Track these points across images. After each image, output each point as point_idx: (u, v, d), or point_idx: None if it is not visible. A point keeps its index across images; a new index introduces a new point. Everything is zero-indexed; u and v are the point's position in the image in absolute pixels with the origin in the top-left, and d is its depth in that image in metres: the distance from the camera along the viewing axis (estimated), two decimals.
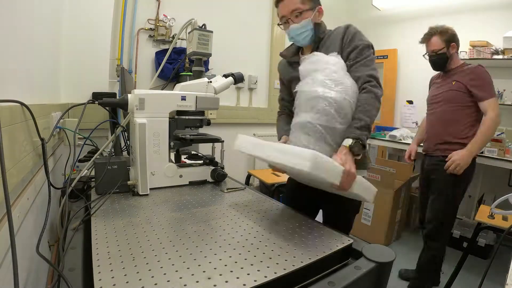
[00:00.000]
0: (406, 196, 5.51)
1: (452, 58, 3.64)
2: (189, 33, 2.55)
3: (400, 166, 5.57)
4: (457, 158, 3.33)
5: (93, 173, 2.00)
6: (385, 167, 5.22)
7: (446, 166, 3.41)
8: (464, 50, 5.93)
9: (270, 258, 1.26)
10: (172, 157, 2.26)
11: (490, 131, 3.34)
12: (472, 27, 6.04)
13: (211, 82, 2.29)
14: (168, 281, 1.06)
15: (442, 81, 3.91)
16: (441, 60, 3.67)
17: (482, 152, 5.29)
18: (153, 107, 2.01)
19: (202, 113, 2.26)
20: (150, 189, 2.02)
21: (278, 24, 2.41)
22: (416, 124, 6.74)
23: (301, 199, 2.35)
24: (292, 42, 2.52)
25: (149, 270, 1.11)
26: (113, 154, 2.42)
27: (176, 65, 4.72)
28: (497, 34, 5.66)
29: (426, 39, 3.70)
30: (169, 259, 1.21)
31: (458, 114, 3.53)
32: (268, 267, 1.19)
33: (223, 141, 2.40)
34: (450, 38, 3.54)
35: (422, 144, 4.12)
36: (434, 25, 3.66)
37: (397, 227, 5.33)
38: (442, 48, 3.57)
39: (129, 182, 1.96)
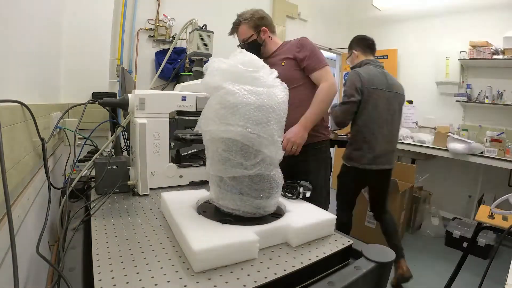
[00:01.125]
0: (409, 197, 5.53)
1: (267, 43, 3.25)
2: (189, 33, 2.55)
3: (403, 167, 5.58)
4: (291, 137, 2.81)
5: (93, 173, 2.00)
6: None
7: (283, 147, 2.74)
8: (464, 50, 5.95)
9: (270, 259, 1.26)
10: (172, 157, 2.26)
11: (325, 102, 2.94)
12: (472, 27, 6.06)
13: None
14: (168, 281, 1.06)
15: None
16: (254, 48, 3.17)
17: (482, 152, 5.31)
18: (153, 107, 2.01)
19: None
20: (150, 189, 2.01)
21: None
22: (417, 124, 6.75)
23: None
24: None
25: (149, 270, 1.11)
26: (113, 154, 2.42)
27: (177, 65, 4.71)
28: (497, 34, 5.67)
29: (233, 29, 3.28)
30: (169, 259, 1.21)
31: (303, 95, 3.00)
32: (268, 267, 1.19)
33: None
34: (257, 23, 3.18)
35: None
36: (242, 11, 3.26)
37: (400, 228, 5.34)
38: (251, 36, 3.18)
39: (129, 182, 1.95)
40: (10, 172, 1.23)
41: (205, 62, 2.60)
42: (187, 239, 1.19)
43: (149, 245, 1.31)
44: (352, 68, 3.99)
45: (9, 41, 1.44)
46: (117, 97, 3.03)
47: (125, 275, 1.07)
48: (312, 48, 3.02)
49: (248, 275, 1.14)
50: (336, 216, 1.55)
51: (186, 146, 2.24)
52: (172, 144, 2.15)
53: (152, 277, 1.07)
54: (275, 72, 1.48)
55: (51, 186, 1.64)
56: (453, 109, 6.44)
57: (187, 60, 4.41)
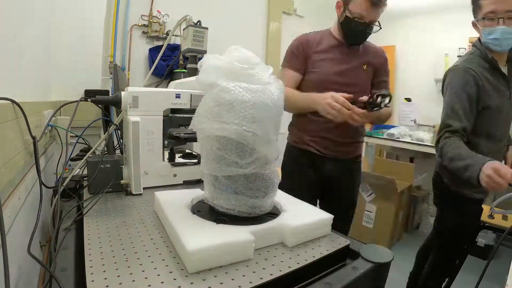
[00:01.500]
0: (407, 196, 5.54)
1: None
2: (183, 29, 2.55)
3: (401, 166, 5.59)
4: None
5: (85, 172, 2.00)
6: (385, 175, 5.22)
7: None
8: (463, 47, 5.95)
9: (266, 260, 1.26)
10: (166, 156, 2.26)
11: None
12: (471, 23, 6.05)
13: None
14: (162, 282, 1.06)
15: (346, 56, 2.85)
16: (368, 32, 2.74)
17: None
18: (147, 105, 2.01)
19: None
20: (144, 188, 2.00)
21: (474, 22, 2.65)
22: (415, 122, 6.76)
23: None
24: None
25: (143, 271, 1.11)
26: (106, 152, 2.42)
27: (170, 62, 4.72)
28: None
29: (379, 4, 2.57)
30: (163, 260, 1.20)
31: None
32: (263, 268, 1.19)
33: None
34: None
35: None
36: None
37: (399, 228, 5.36)
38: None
39: (122, 181, 1.95)
40: (1, 171, 1.23)
41: (200, 59, 2.60)
42: (181, 239, 1.19)
43: (143, 245, 1.30)
44: None
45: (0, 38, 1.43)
46: (110, 95, 3.03)
47: (118, 276, 1.07)
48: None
49: (244, 275, 1.13)
50: (332, 216, 1.55)
51: (180, 144, 2.24)
52: (166, 142, 2.14)
53: (146, 278, 1.07)
54: (270, 69, 1.47)
55: (42, 185, 1.64)
56: None
57: (181, 57, 4.42)
